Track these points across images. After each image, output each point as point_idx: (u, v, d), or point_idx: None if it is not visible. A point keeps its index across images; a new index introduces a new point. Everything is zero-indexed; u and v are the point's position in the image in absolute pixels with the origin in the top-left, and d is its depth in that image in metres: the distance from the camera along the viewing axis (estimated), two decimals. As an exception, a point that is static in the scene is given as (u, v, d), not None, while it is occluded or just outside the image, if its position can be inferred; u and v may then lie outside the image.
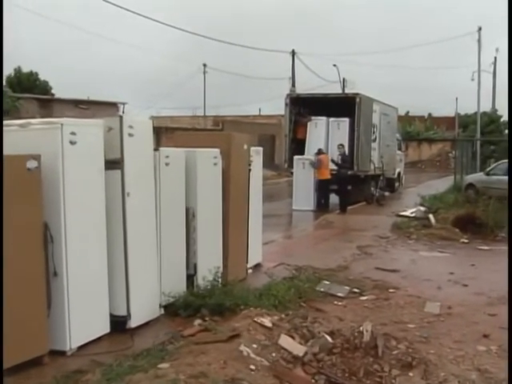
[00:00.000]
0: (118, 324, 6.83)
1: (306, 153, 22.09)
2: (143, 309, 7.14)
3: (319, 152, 20.93)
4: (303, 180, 20.98)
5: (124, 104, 35.91)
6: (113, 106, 34.33)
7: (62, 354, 6.14)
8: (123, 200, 6.79)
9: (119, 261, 6.83)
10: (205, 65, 60.45)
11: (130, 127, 6.83)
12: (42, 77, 40.37)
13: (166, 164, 7.61)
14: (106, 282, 6.66)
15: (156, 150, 7.46)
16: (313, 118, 22.99)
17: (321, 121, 22.78)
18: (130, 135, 6.82)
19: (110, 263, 6.71)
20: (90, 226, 6.43)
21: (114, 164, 6.71)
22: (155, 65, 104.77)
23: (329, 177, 20.62)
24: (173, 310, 7.54)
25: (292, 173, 22.51)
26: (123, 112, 33.83)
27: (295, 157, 21.72)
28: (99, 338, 6.55)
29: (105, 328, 6.66)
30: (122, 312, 6.90)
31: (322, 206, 20.61)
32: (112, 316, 6.77)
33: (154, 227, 7.36)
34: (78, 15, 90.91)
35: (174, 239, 7.84)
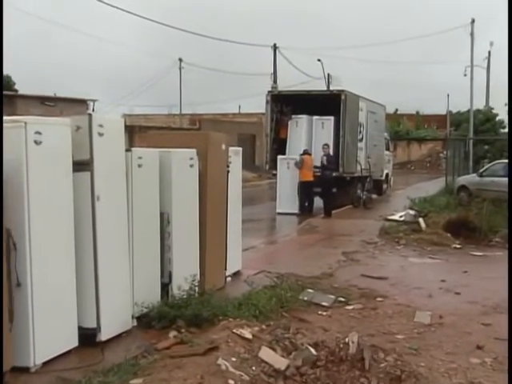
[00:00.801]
0: (87, 337, 6.77)
1: (286, 153, 22.14)
2: (114, 320, 7.09)
3: (304, 153, 20.97)
4: (287, 181, 21.04)
5: (94, 101, 35.75)
6: (82, 103, 34.14)
7: (26, 370, 6.07)
8: (93, 204, 6.75)
9: (88, 269, 6.78)
10: (181, 59, 60.35)
11: (100, 126, 6.78)
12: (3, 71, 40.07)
13: (139, 165, 7.57)
14: (74, 292, 6.60)
15: (128, 150, 7.43)
16: (294, 116, 23.03)
17: (303, 119, 22.83)
18: (100, 135, 6.78)
19: (79, 272, 6.65)
20: (56, 232, 6.38)
21: (82, 166, 6.67)
22: (128, 59, 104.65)
23: (311, 179, 20.65)
24: (146, 322, 7.50)
25: (274, 174, 22.55)
26: (93, 110, 33.67)
27: (279, 157, 21.77)
28: (66, 353, 6.49)
29: (73, 342, 6.61)
30: (92, 324, 6.84)
31: (305, 210, 20.65)
32: (80, 329, 6.72)
33: (125, 233, 7.32)
34: (41, 4, 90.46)
35: (148, 246, 7.81)
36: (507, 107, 35.93)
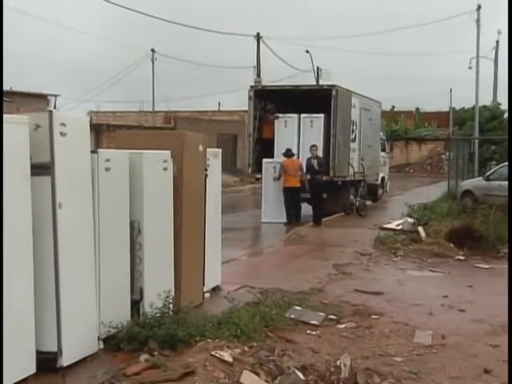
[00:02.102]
0: (47, 362, 6.71)
1: (275, 155, 22.14)
2: (78, 343, 7.04)
3: (287, 152, 20.94)
4: (273, 187, 21.05)
5: (56, 96, 35.70)
6: (42, 98, 34.09)
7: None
8: (54, 213, 6.71)
9: (48, 286, 6.73)
10: (153, 50, 60.27)
11: (63, 125, 6.75)
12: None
13: (107, 169, 7.54)
14: (32, 311, 6.54)
15: (94, 152, 7.40)
16: (282, 115, 23.06)
17: (291, 118, 22.85)
18: (63, 134, 6.74)
19: (37, 289, 6.60)
20: (11, 244, 6.31)
21: (42, 169, 6.63)
22: (94, 50, 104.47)
23: (296, 184, 20.61)
24: (114, 344, 7.46)
25: (257, 179, 22.59)
26: (54, 106, 33.61)
27: (264, 160, 21.75)
28: (22, 381, 6.40)
29: (29, 368, 6.53)
30: (52, 348, 6.79)
31: (291, 218, 20.66)
32: (39, 353, 6.65)
33: (91, 245, 7.28)
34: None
35: (116, 259, 7.77)
36: (507, 107, 36.16)
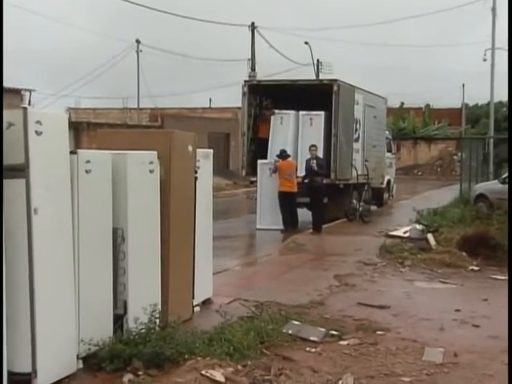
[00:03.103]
0: (21, 384, 6.72)
1: (268, 156, 22.14)
2: (55, 363, 7.02)
3: (281, 154, 20.96)
4: (269, 191, 21.06)
5: (30, 91, 35.61)
6: (15, 93, 33.99)
7: None
8: (28, 219, 6.70)
9: (22, 300, 6.72)
10: (138, 41, 60.32)
11: (38, 123, 6.74)
12: None
13: (87, 171, 7.53)
14: (4, 329, 6.52)
15: (73, 152, 7.39)
16: (278, 111, 23.07)
17: (289, 116, 22.87)
18: (38, 133, 6.73)
19: (9, 303, 6.58)
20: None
21: (15, 171, 6.63)
22: (73, 41, 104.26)
23: (291, 189, 20.63)
24: (95, 363, 7.44)
25: (252, 182, 22.59)
26: (29, 102, 33.53)
27: (259, 161, 21.76)
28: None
29: (2, 390, 6.54)
30: (26, 368, 6.77)
31: (288, 225, 20.67)
32: (12, 374, 6.64)
33: (70, 254, 7.27)
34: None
35: (97, 270, 7.76)
36: (507, 106, 36.10)
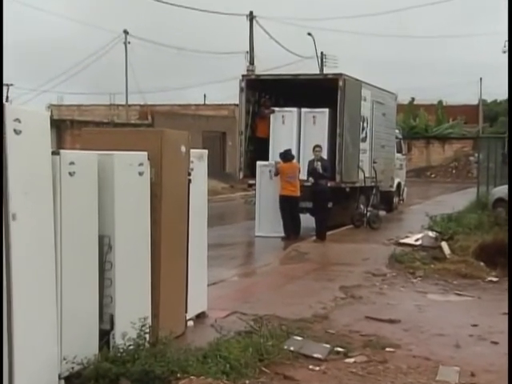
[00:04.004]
0: (-1, 405, 6.71)
1: (270, 157, 22.12)
2: (34, 383, 7.00)
3: (285, 155, 20.95)
4: (270, 195, 21.06)
5: (8, 86, 35.61)
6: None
7: None
8: (6, 225, 6.67)
9: None
10: (126, 32, 60.27)
11: (17, 121, 6.72)
12: None
13: (71, 173, 7.52)
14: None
15: (56, 153, 7.38)
16: (278, 109, 23.07)
17: (289, 113, 22.87)
18: (17, 132, 6.72)
19: (-13, 317, 6.58)
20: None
21: (-8, 174, 6.62)
22: (56, 31, 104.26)
23: (293, 193, 20.63)
24: (79, 383, 7.42)
25: (250, 185, 22.60)
26: (7, 98, 33.52)
27: (259, 163, 21.75)
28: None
29: (-23, 413, 6.53)
30: (4, 388, 6.77)
31: (290, 232, 20.66)
32: (-12, 394, 6.65)
33: (51, 264, 7.25)
34: None
35: (81, 281, 7.74)
36: (508, 106, 36.07)
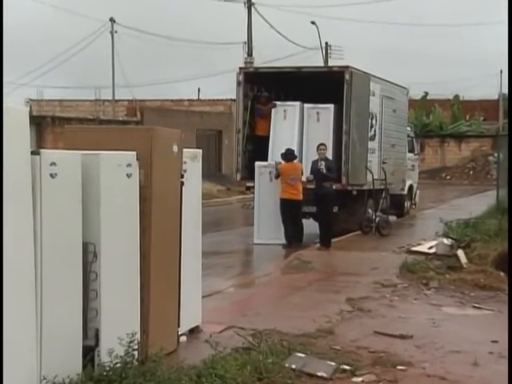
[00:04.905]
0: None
1: (270, 157, 22.10)
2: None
3: (287, 154, 20.95)
4: (270, 199, 21.03)
5: (-17, 80, 35.59)
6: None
7: None
8: (-19, 232, 6.69)
9: (-24, 327, 6.71)
10: (113, 20, 60.22)
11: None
12: None
13: (52, 175, 7.52)
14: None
15: (35, 153, 7.38)
16: (280, 103, 23.07)
17: (292, 107, 22.87)
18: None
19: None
20: None
21: (-34, 175, 6.62)
22: (35, 18, 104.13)
23: (295, 196, 20.62)
24: (61, 405, 7.44)
25: (248, 187, 22.58)
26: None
27: (257, 163, 21.71)
28: None
29: None
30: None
31: (292, 239, 20.66)
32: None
33: (31, 274, 7.25)
34: None
35: (64, 292, 7.74)
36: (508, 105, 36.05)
